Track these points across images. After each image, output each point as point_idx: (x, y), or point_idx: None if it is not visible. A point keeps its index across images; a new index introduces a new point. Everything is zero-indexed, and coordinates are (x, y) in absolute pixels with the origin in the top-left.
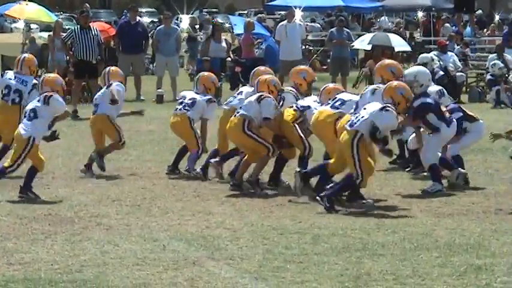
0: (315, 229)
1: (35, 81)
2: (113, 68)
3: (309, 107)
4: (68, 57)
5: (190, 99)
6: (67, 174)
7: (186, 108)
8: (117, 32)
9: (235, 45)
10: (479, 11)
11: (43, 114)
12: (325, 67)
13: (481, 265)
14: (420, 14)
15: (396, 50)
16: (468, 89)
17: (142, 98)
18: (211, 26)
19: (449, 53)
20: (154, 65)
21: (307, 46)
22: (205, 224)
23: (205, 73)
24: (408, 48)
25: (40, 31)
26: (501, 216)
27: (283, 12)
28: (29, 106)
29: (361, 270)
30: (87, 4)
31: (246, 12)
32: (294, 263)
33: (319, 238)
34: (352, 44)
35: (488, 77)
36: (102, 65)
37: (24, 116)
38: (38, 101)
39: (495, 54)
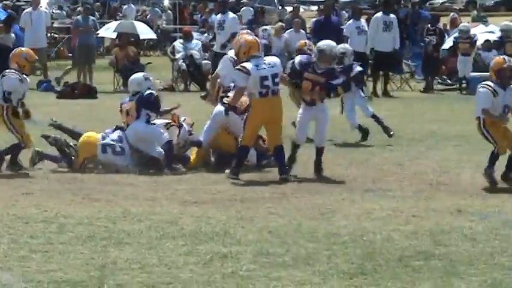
0: (60, 218)
1: None
2: None
3: None
4: None
5: None
6: None
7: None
8: None
9: None
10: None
11: None
12: (71, 54)
13: (227, 253)
14: (166, 2)
15: (141, 37)
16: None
17: None
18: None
19: (195, 41)
20: None
21: (52, 33)
22: None
23: None
24: (154, 36)
25: None
26: (246, 204)
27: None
28: None
29: (107, 259)
30: None
31: None
32: (39, 252)
33: (65, 227)
34: (97, 32)
35: None
36: None
37: None
38: None
39: None
